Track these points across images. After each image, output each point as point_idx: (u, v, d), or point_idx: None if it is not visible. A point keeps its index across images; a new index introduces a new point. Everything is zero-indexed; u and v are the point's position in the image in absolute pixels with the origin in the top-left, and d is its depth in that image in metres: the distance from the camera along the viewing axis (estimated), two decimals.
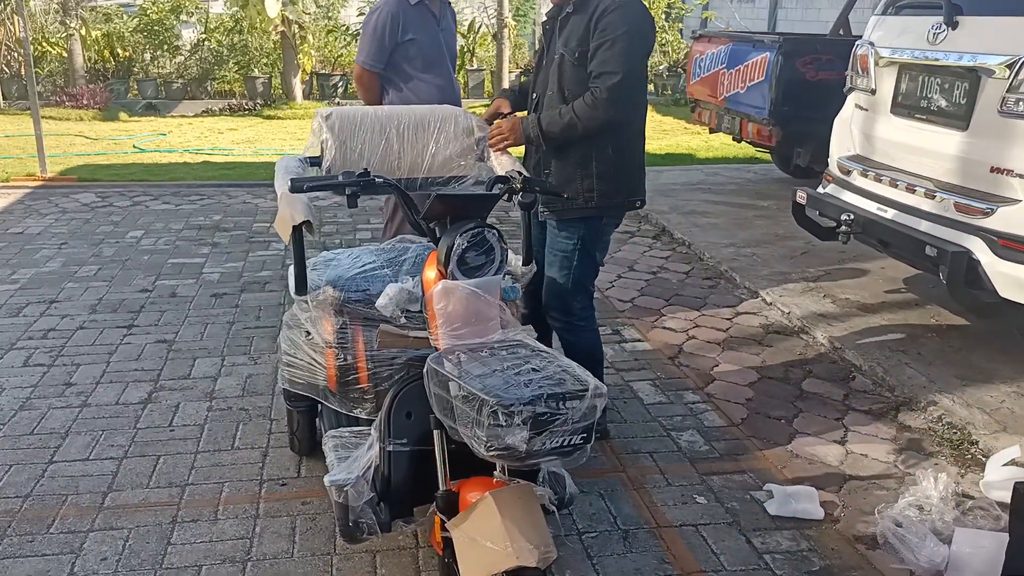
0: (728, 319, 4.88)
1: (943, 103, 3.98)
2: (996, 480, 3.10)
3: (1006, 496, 3.04)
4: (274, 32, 12.75)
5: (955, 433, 3.51)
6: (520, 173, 2.49)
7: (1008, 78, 3.57)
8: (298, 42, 12.93)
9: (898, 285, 5.33)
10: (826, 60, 6.75)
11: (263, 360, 4.15)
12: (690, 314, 4.94)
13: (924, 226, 3.87)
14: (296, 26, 12.74)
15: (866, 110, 4.67)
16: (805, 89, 6.76)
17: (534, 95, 3.27)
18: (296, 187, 2.29)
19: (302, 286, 2.67)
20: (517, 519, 2.08)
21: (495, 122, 3.11)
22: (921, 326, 4.63)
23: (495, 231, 2.24)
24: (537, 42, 3.40)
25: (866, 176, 4.44)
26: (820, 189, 4.91)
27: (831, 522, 2.94)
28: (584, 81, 3.05)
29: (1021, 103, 3.53)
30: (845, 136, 4.87)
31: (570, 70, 3.08)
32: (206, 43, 13.70)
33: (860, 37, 8.15)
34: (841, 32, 8.32)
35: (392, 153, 2.99)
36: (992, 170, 3.68)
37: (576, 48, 3.04)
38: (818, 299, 5.07)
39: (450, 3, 4.28)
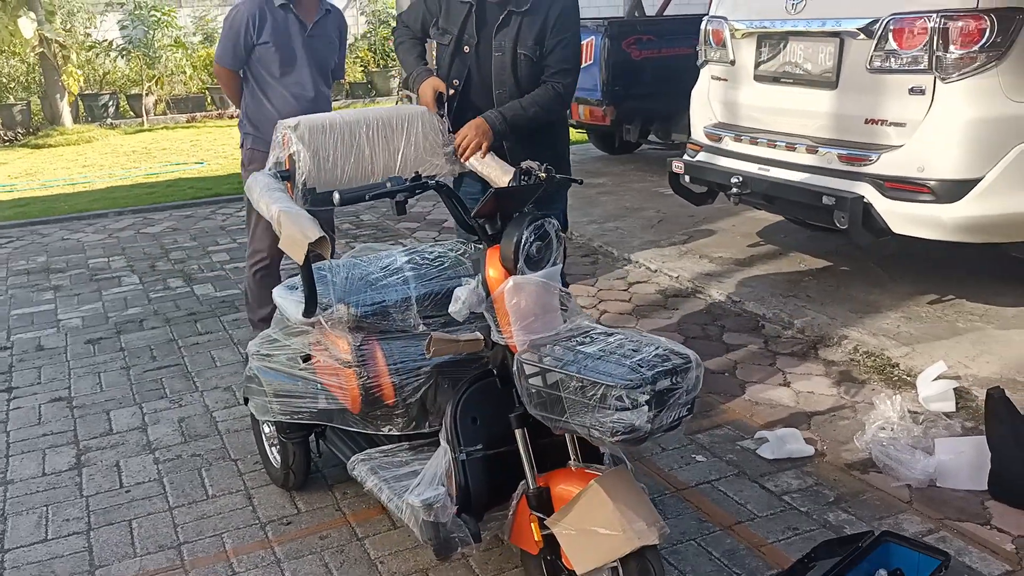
0: (625, 290, 5.09)
1: (809, 66, 4.37)
2: (932, 394, 3.48)
3: (944, 406, 3.46)
4: (32, 54, 11.52)
5: (874, 360, 3.90)
6: (540, 164, 2.47)
7: (873, 38, 3.99)
8: (60, 62, 11.75)
9: (755, 239, 5.79)
10: (646, 40, 7.16)
11: (187, 401, 3.82)
12: (589, 289, 5.10)
13: (813, 179, 4.25)
14: (56, 45, 11.57)
15: (725, 80, 5.02)
16: (632, 68, 7.14)
17: (455, 82, 3.28)
18: (349, 199, 2.15)
19: (311, 307, 2.51)
20: (628, 501, 2.10)
21: (459, 132, 3.05)
22: (795, 272, 5.07)
23: (553, 222, 2.23)
24: (433, 24, 3.35)
25: (740, 140, 4.78)
26: (687, 158, 5.22)
27: (820, 456, 3.18)
28: (536, 76, 3.25)
29: (888, 59, 3.96)
30: (705, 107, 5.21)
31: (527, 68, 3.24)
32: None
33: (659, 16, 8.71)
34: (636, 13, 8.86)
35: (364, 158, 2.86)
36: (867, 121, 4.10)
37: (534, 48, 3.20)
38: (695, 260, 5.40)
39: (333, 11, 4.01)
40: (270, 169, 2.83)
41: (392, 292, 2.63)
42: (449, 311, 2.20)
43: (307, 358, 2.73)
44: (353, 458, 2.66)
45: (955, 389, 3.49)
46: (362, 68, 15.83)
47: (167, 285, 5.43)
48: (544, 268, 2.22)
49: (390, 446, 2.66)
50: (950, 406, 3.45)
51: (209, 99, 14.02)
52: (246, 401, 3.11)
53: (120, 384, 4.02)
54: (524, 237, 2.15)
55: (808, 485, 3.00)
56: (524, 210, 2.27)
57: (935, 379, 3.55)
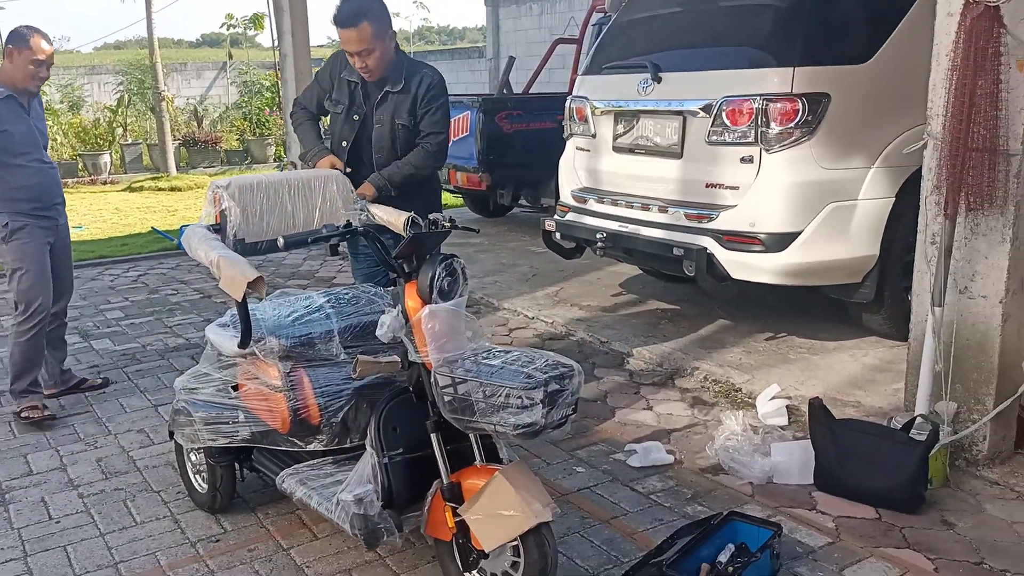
0: (507, 335, 5.62)
1: (659, 139, 5.10)
2: (768, 411, 4.14)
3: (778, 421, 4.12)
4: None
5: (721, 386, 4.55)
6: (442, 214, 2.96)
7: (709, 116, 4.74)
8: None
9: (618, 290, 6.46)
10: (516, 115, 7.88)
11: (102, 444, 4.05)
12: None
13: (665, 234, 4.93)
14: None
15: (588, 151, 5.70)
16: (503, 140, 7.84)
17: (344, 143, 3.95)
18: (292, 243, 2.58)
19: (247, 339, 2.89)
20: (526, 488, 2.58)
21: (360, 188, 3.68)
22: (651, 316, 5.74)
23: (460, 260, 2.73)
24: (325, 93, 3.96)
25: (602, 202, 5.45)
26: (558, 218, 5.86)
27: (678, 463, 3.76)
28: (412, 140, 3.88)
29: (721, 134, 4.72)
30: (571, 173, 5.87)
31: (404, 135, 3.89)
32: None
33: (525, 94, 9.51)
34: (505, 91, 9.65)
35: (287, 213, 3.29)
36: (707, 185, 4.83)
37: (408, 118, 3.86)
38: (567, 308, 6.01)
39: (39, 93, 4.50)
40: (201, 224, 3.21)
41: (316, 326, 3.04)
42: (376, 334, 2.65)
43: (236, 387, 3.09)
44: (282, 473, 3.03)
45: (787, 407, 4.16)
46: (238, 136, 16.03)
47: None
48: (453, 299, 2.71)
49: (315, 461, 3.05)
50: (783, 420, 4.11)
51: (81, 165, 13.89)
52: (171, 435, 3.42)
53: (33, 430, 4.19)
54: (437, 273, 2.64)
55: (670, 486, 3.56)
56: (434, 252, 2.76)
57: (771, 399, 4.22)
